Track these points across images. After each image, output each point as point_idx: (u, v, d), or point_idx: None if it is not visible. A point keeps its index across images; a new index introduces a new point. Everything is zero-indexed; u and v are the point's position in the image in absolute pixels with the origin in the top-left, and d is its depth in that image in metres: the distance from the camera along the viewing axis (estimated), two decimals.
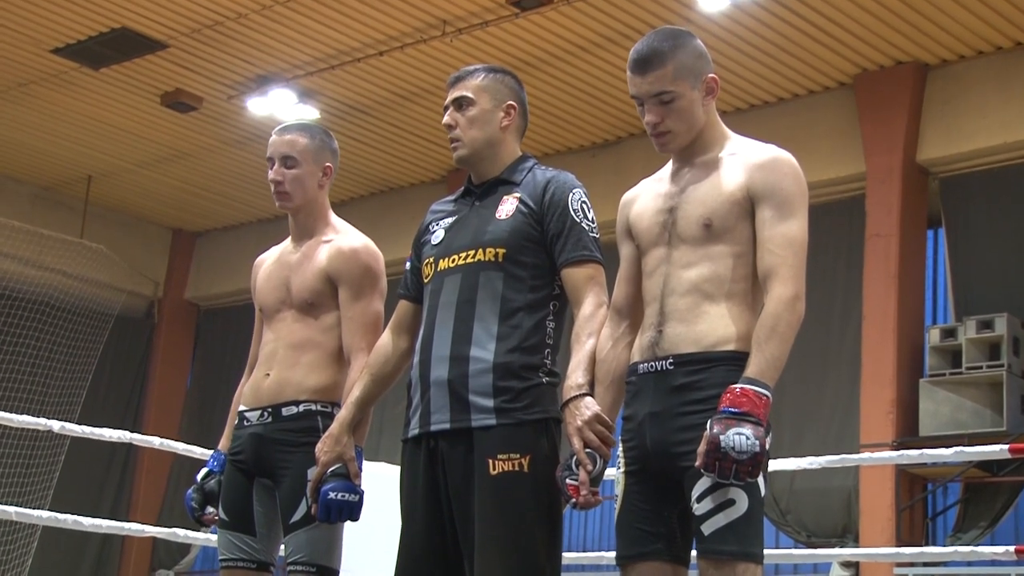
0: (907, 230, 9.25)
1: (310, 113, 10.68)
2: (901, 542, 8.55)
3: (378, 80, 10.20)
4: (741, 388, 2.62)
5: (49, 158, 12.26)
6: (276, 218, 12.82)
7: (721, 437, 2.56)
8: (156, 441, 6.62)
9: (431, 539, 3.04)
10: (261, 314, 3.65)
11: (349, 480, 3.24)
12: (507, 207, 3.13)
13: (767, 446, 2.62)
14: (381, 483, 7.19)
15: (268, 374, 3.50)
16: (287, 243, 3.68)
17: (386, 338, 3.31)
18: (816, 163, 9.47)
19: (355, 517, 3.26)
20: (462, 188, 3.28)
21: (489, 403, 2.98)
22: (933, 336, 8.86)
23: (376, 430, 12.07)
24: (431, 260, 3.17)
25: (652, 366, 2.79)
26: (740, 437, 2.55)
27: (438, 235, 3.19)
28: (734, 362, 2.73)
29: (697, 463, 2.60)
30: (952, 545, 8.45)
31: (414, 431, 3.10)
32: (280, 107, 10.47)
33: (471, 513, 2.95)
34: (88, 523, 6.02)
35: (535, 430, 2.99)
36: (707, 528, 2.65)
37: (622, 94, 10.06)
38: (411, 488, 3.10)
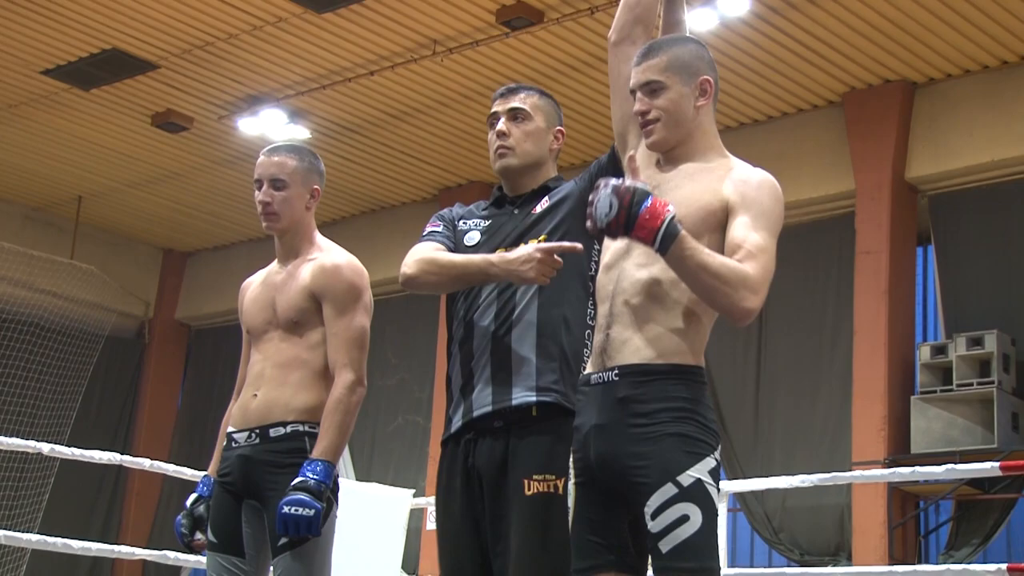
0: (897, 247, 9.28)
1: (300, 133, 10.68)
2: (894, 560, 8.54)
3: (369, 99, 10.22)
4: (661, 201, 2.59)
5: (40, 179, 12.26)
6: (267, 238, 12.73)
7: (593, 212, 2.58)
8: (146, 463, 6.60)
9: (470, 539, 3.09)
10: (248, 336, 3.65)
11: (308, 494, 3.23)
12: (543, 201, 3.20)
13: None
14: (372, 503, 7.19)
15: (256, 394, 3.49)
16: (273, 265, 3.69)
17: (428, 251, 3.23)
18: (806, 181, 9.51)
19: (313, 531, 3.23)
20: (494, 197, 3.31)
21: (532, 383, 3.02)
22: (924, 353, 8.88)
23: (368, 449, 12.06)
24: None
25: (600, 377, 2.77)
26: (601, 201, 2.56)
27: (473, 236, 3.22)
28: (679, 375, 2.72)
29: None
30: (944, 563, 8.44)
31: (457, 425, 3.13)
32: (271, 127, 10.48)
33: (504, 529, 2.99)
34: (78, 546, 6.00)
35: (570, 449, 3.00)
36: (664, 545, 2.64)
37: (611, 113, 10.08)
38: (450, 499, 3.13)
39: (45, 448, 6.03)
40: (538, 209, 3.19)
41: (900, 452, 8.74)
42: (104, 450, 6.68)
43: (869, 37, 8.81)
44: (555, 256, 2.95)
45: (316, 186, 3.61)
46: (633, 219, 2.55)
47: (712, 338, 2.88)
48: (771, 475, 8.31)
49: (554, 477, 2.98)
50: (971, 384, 8.54)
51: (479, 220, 3.26)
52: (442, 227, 3.27)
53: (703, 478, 2.68)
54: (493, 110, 3.28)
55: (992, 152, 9.05)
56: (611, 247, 2.85)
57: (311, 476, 3.26)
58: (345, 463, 12.14)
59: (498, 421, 3.05)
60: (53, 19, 9.24)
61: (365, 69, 9.65)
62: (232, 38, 9.34)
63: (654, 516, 2.65)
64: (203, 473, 3.75)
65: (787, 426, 9.30)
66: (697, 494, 2.66)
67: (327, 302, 3.48)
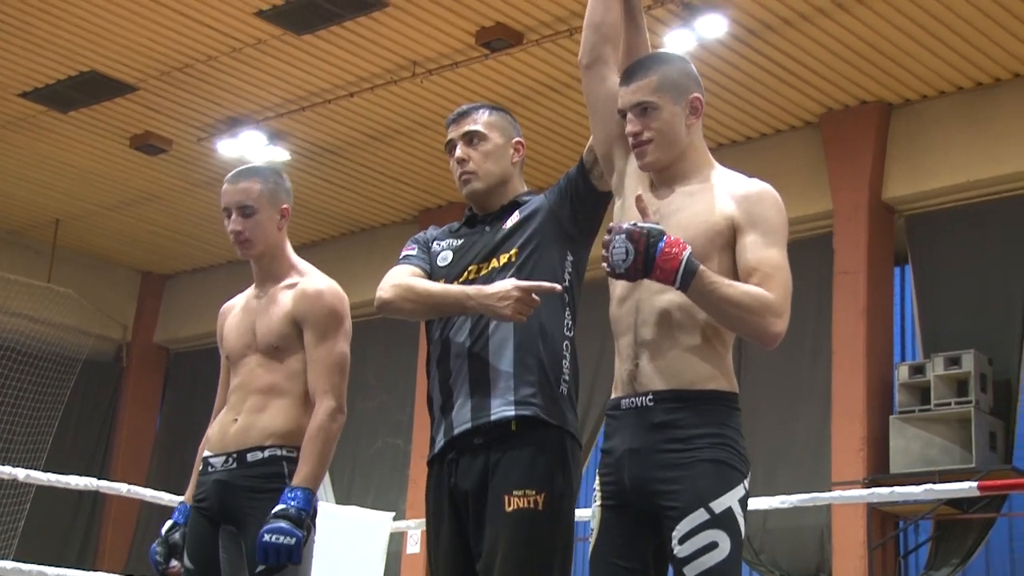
0: (875, 267, 9.32)
1: (280, 155, 10.68)
2: None
3: (348, 121, 10.22)
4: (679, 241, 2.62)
5: (16, 201, 12.20)
6: (246, 260, 12.77)
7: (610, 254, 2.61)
8: (123, 488, 6.56)
9: (460, 559, 3.08)
10: (227, 362, 3.63)
11: (289, 522, 3.21)
12: (513, 217, 3.20)
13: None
14: (353, 526, 7.16)
15: (236, 419, 3.47)
16: (252, 289, 3.66)
17: (405, 277, 3.22)
18: (784, 201, 9.52)
19: (295, 559, 3.20)
20: (465, 217, 3.32)
21: (510, 397, 3.02)
22: (902, 373, 8.91)
23: (348, 472, 12.01)
24: (440, 281, 3.18)
25: (633, 402, 2.77)
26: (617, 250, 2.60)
27: (446, 256, 3.23)
28: (715, 401, 2.73)
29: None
30: None
31: (439, 445, 3.13)
32: (250, 149, 10.47)
33: (488, 546, 2.98)
34: (53, 573, 5.96)
35: (555, 451, 3.01)
36: (690, 571, 2.64)
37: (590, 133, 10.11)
38: (438, 521, 3.12)
39: (21, 474, 6.00)
40: (508, 224, 3.19)
41: (879, 472, 8.76)
42: (81, 475, 6.65)
43: (846, 59, 8.87)
44: (532, 295, 2.95)
45: (285, 205, 3.58)
46: (651, 261, 2.57)
47: None
48: (752, 495, 8.30)
49: (534, 492, 2.97)
50: (949, 403, 8.58)
51: (452, 240, 3.26)
52: (417, 250, 3.27)
53: (734, 506, 2.68)
54: (448, 137, 3.28)
55: (968, 173, 9.12)
56: (620, 280, 2.83)
57: (292, 504, 3.24)
58: (325, 486, 12.09)
59: (478, 438, 3.04)
60: (31, 41, 9.22)
61: (345, 91, 9.66)
62: (211, 60, 9.34)
63: (682, 541, 2.64)
64: (181, 497, 3.72)
65: (767, 446, 9.31)
66: (727, 522, 2.66)
67: (308, 328, 3.46)
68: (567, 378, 3.10)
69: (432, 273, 3.21)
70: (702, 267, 2.60)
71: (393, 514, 7.76)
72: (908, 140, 9.42)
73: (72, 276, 13.01)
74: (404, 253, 3.28)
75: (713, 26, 8.38)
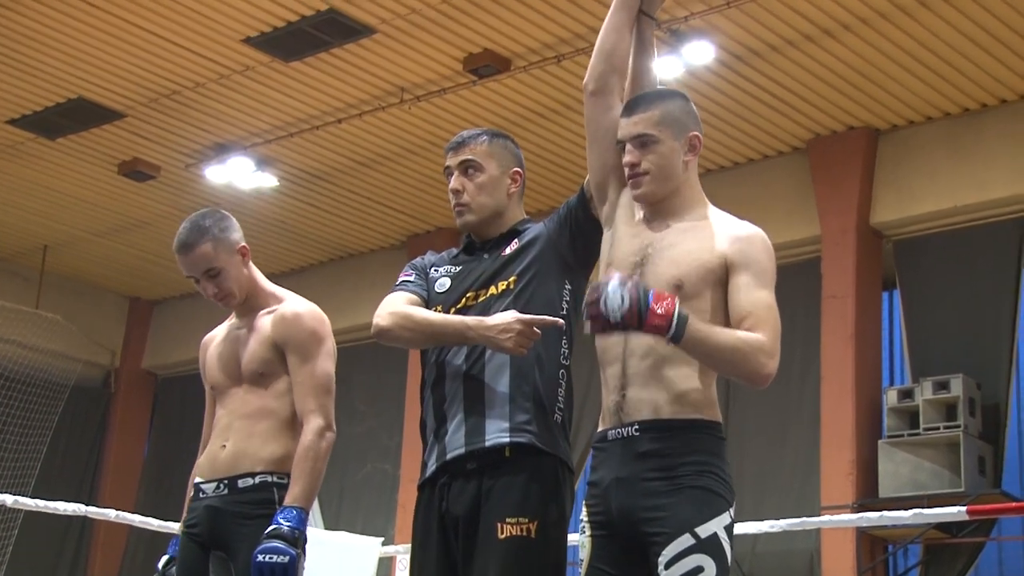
0: (862, 292, 9.35)
1: (268, 181, 10.69)
2: None
3: (336, 147, 10.24)
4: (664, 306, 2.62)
5: (4, 228, 12.18)
6: None
7: (601, 303, 2.59)
8: (112, 513, 6.53)
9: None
10: (212, 392, 3.64)
11: (283, 541, 3.22)
12: (512, 244, 3.19)
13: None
14: (341, 552, 7.13)
15: (224, 445, 3.48)
16: (233, 319, 3.67)
17: (403, 305, 3.19)
18: (771, 226, 9.47)
19: None
20: (464, 243, 3.30)
21: (505, 424, 3.01)
22: (891, 397, 8.92)
23: (336, 498, 11.97)
24: (438, 308, 3.17)
25: (619, 432, 2.78)
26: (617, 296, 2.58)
27: (444, 283, 3.21)
28: (701, 430, 2.75)
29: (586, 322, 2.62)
30: None
31: (431, 469, 3.10)
32: (238, 175, 10.48)
33: (479, 573, 2.97)
34: None
35: (549, 479, 3.00)
36: None
37: (579, 159, 10.14)
38: (426, 545, 3.09)
39: (9, 500, 5.97)
40: (507, 251, 3.19)
41: (868, 496, 8.77)
42: (69, 500, 6.62)
43: (833, 85, 8.92)
44: (534, 328, 2.95)
45: (240, 245, 3.57)
46: (644, 312, 2.59)
47: None
48: (740, 520, 8.30)
49: (527, 520, 2.96)
50: (938, 428, 8.59)
51: (450, 267, 3.25)
52: (415, 276, 3.26)
53: (719, 532, 2.70)
54: (446, 164, 3.27)
55: (955, 198, 9.16)
56: None
57: (285, 523, 3.25)
58: (314, 512, 12.02)
59: (471, 463, 3.03)
60: (19, 68, 9.23)
61: (333, 117, 9.67)
62: (199, 87, 9.35)
63: (668, 566, 2.66)
64: (170, 523, 3.73)
65: (756, 470, 9.31)
66: (713, 547, 2.67)
67: (290, 351, 3.48)
68: (561, 406, 3.10)
69: (430, 299, 3.20)
70: (692, 317, 2.63)
71: (382, 539, 7.74)
72: (895, 165, 9.46)
73: (60, 302, 12.98)
74: (401, 279, 3.27)
75: (700, 52, 8.42)
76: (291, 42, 8.68)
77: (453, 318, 3.08)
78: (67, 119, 9.90)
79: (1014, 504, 7.92)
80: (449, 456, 3.05)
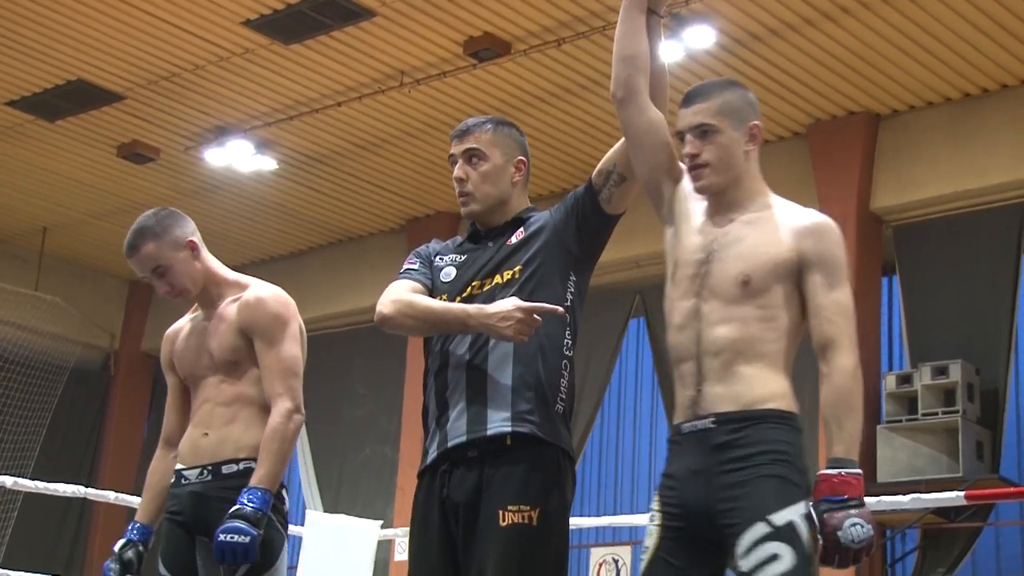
0: (862, 277, 9.35)
1: (267, 164, 10.69)
2: None
3: (336, 130, 10.23)
4: (838, 474, 2.65)
5: (3, 210, 12.18)
6: (233, 268, 12.74)
7: (839, 534, 2.59)
8: (111, 495, 6.55)
9: (447, 571, 3.06)
10: (177, 386, 3.68)
11: (245, 521, 3.25)
12: (518, 233, 3.19)
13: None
14: (340, 534, 7.15)
15: (206, 433, 3.51)
16: (196, 311, 3.71)
17: (406, 293, 3.18)
18: None
19: (251, 557, 3.25)
20: (469, 232, 3.30)
21: (507, 413, 3.00)
22: (889, 383, 8.93)
23: (336, 481, 12.00)
24: (443, 297, 3.16)
25: (694, 425, 2.78)
26: (855, 528, 2.60)
27: (449, 272, 3.21)
28: (777, 420, 2.76)
29: (820, 561, 2.63)
30: None
31: (432, 456, 3.09)
32: (238, 158, 10.47)
33: (480, 560, 2.97)
34: None
35: (550, 467, 3.00)
36: None
37: (579, 143, 10.14)
38: (425, 531, 3.09)
39: (8, 481, 5.99)
40: (513, 240, 3.18)
41: (866, 481, 8.70)
42: (69, 483, 6.63)
43: (833, 69, 8.90)
44: (535, 316, 2.95)
45: (187, 240, 3.60)
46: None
47: None
48: None
49: (529, 508, 2.95)
50: (936, 413, 8.60)
51: (455, 256, 3.24)
52: (419, 264, 3.25)
53: (796, 521, 2.67)
54: (451, 152, 3.27)
55: (955, 183, 9.15)
56: (679, 307, 2.85)
57: (249, 504, 3.28)
58: (313, 495, 12.08)
59: (473, 451, 3.03)
60: (18, 50, 9.21)
61: (332, 100, 9.66)
62: (199, 69, 9.34)
63: (744, 555, 2.65)
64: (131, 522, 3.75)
65: None
66: (789, 535, 2.65)
67: (256, 336, 3.50)
68: (563, 396, 3.09)
69: (435, 288, 3.19)
70: (835, 454, 2.72)
71: (381, 522, 7.76)
72: (895, 151, 9.45)
73: (59, 284, 12.99)
74: (405, 267, 3.26)
75: (701, 37, 8.41)
76: (291, 25, 8.67)
77: (454, 306, 3.07)
78: (66, 101, 9.89)
79: (1012, 489, 7.94)
80: (451, 443, 3.05)
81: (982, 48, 8.57)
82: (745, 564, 2.64)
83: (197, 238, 3.62)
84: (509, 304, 2.96)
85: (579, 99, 9.43)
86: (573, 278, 3.15)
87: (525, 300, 3.01)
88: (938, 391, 8.66)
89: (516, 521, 2.94)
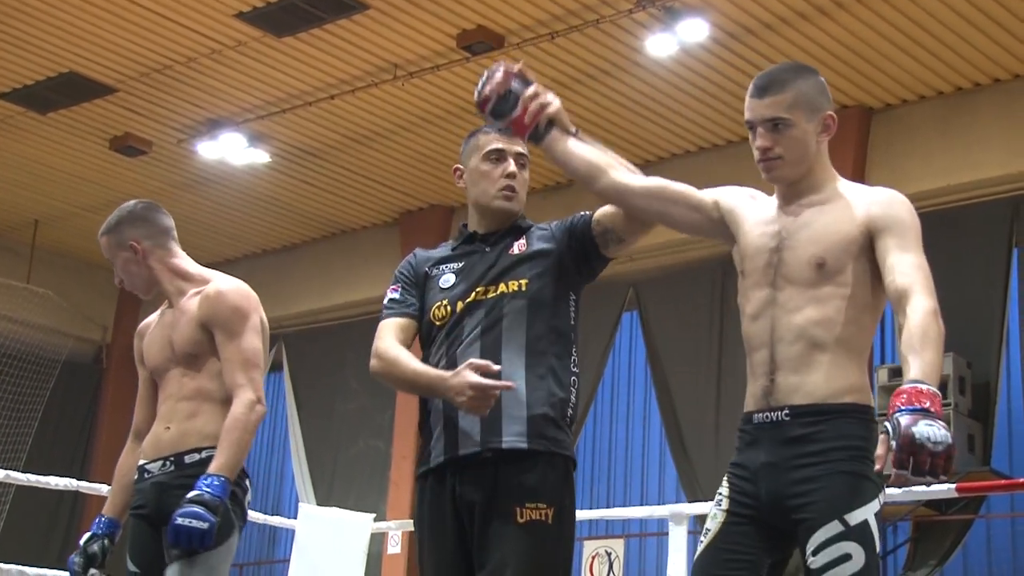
0: None
1: (260, 157, 10.69)
2: None
3: (329, 124, 10.22)
4: (915, 387, 2.48)
5: None
6: (226, 261, 12.77)
7: (914, 429, 2.39)
8: (104, 488, 6.53)
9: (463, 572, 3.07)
10: (147, 380, 3.71)
11: (203, 507, 3.25)
12: (520, 243, 3.21)
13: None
14: (333, 527, 7.16)
15: (168, 427, 3.52)
16: (165, 306, 3.74)
17: (394, 347, 3.19)
18: None
19: (207, 543, 3.25)
20: (460, 237, 3.30)
21: (522, 428, 3.03)
22: (881, 376, 8.95)
23: (329, 474, 12.01)
24: (444, 303, 3.17)
25: (767, 416, 2.75)
26: (932, 428, 2.40)
27: (448, 279, 3.21)
28: (853, 414, 2.70)
29: (890, 463, 2.44)
30: None
31: (438, 460, 3.10)
32: (230, 151, 10.47)
33: (496, 557, 2.99)
34: (33, 572, 5.96)
35: (561, 473, 3.04)
36: None
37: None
38: (440, 529, 3.10)
39: (0, 474, 5.98)
40: (515, 251, 3.19)
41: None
42: (61, 476, 6.63)
43: (826, 63, 8.92)
44: (489, 392, 2.95)
45: (130, 242, 3.66)
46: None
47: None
48: None
49: (545, 506, 3.00)
50: None
51: (453, 263, 3.24)
52: (401, 291, 3.25)
53: (870, 520, 2.64)
54: (500, 146, 3.25)
55: (948, 177, 9.18)
56: (754, 297, 2.82)
57: (206, 490, 3.29)
58: (306, 488, 12.09)
59: (487, 453, 3.06)
60: (9, 42, 9.20)
61: (325, 93, 9.66)
62: (191, 62, 9.33)
63: (816, 552, 2.62)
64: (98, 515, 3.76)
65: None
66: (862, 535, 2.62)
67: (216, 329, 3.51)
68: (572, 410, 3.14)
69: (432, 298, 3.20)
70: (912, 375, 2.53)
71: (374, 515, 7.77)
72: (888, 144, 9.47)
73: (51, 277, 12.97)
74: (388, 296, 3.27)
75: (694, 30, 8.42)
76: (284, 17, 8.66)
77: (429, 373, 3.07)
78: (58, 93, 9.88)
79: (1003, 481, 7.98)
80: (462, 452, 3.06)
81: (974, 42, 8.59)
82: (816, 562, 2.62)
83: (152, 241, 3.66)
84: (463, 380, 2.96)
85: (573, 92, 9.43)
86: (573, 297, 3.21)
87: (530, 315, 3.08)
88: None
89: (533, 518, 2.99)
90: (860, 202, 2.80)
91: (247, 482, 3.50)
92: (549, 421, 3.06)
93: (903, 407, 2.45)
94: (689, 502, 8.94)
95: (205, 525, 3.23)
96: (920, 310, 2.63)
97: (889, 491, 5.70)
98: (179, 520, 3.23)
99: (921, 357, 2.57)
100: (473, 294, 3.15)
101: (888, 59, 8.84)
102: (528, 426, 3.04)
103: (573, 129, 3.11)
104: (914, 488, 5.93)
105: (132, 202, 3.77)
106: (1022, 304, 8.93)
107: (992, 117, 9.08)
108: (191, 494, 3.27)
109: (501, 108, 3.02)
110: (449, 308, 3.15)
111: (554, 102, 3.07)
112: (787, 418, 2.71)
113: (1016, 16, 8.30)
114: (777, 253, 2.80)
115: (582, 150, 3.08)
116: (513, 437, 3.03)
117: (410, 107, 9.81)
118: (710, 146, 10.12)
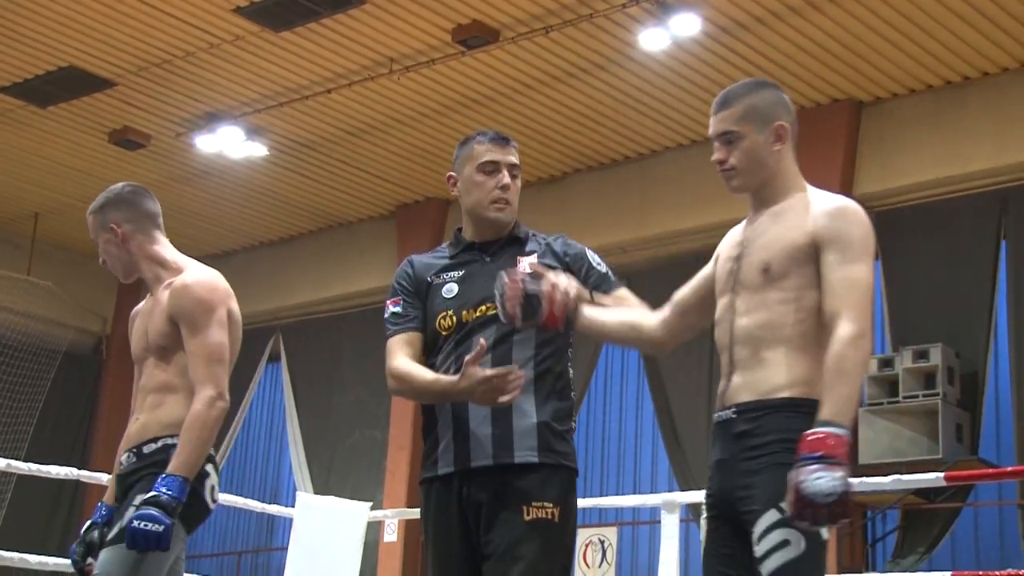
0: None
1: (258, 150, 10.75)
2: (842, 568, 8.69)
3: (326, 117, 10.29)
4: (814, 433, 2.61)
5: None
6: (223, 255, 12.85)
7: (804, 486, 2.55)
8: (104, 477, 6.60)
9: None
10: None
11: (160, 509, 3.24)
12: (526, 263, 3.23)
13: (850, 486, 2.60)
14: (330, 516, 7.25)
15: (137, 418, 3.55)
16: (150, 293, 3.74)
17: (405, 364, 3.25)
18: None
19: (163, 546, 3.24)
20: (456, 245, 3.35)
21: (533, 442, 3.13)
22: (871, 366, 9.04)
23: (325, 464, 12.09)
24: (449, 313, 3.23)
25: (721, 415, 2.89)
26: (821, 480, 2.54)
27: (451, 288, 3.27)
28: (790, 408, 2.79)
29: (789, 516, 2.61)
30: (891, 571, 8.61)
31: (446, 470, 3.17)
32: (228, 144, 10.54)
33: (502, 555, 3.06)
34: (34, 560, 6.00)
35: (566, 480, 3.15)
36: (764, 569, 2.71)
37: (566, 130, 10.22)
38: (445, 528, 3.17)
39: (2, 463, 6.04)
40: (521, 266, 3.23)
41: (848, 462, 8.87)
42: (62, 465, 6.70)
43: (816, 56, 9.00)
44: (502, 380, 3.02)
45: (112, 225, 3.65)
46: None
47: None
48: None
49: (551, 505, 3.09)
50: (917, 396, 8.72)
51: (454, 272, 3.30)
52: (402, 303, 3.30)
53: None
54: (494, 158, 3.29)
55: (937, 170, 9.26)
56: (719, 303, 2.94)
57: (164, 491, 3.27)
58: (303, 477, 12.17)
59: (498, 467, 3.15)
60: (9, 36, 9.26)
61: (322, 87, 9.73)
62: (189, 56, 9.39)
63: (759, 540, 2.72)
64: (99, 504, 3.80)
65: None
66: None
67: (182, 322, 3.50)
68: (573, 421, 3.26)
69: (435, 309, 3.26)
70: (821, 416, 2.65)
71: (370, 504, 7.86)
72: (878, 138, 9.55)
73: (51, 269, 13.04)
74: (390, 310, 3.31)
75: (687, 24, 8.50)
76: (281, 12, 8.73)
77: (441, 381, 3.13)
78: (58, 87, 9.94)
79: (990, 470, 8.08)
80: (474, 464, 3.13)
81: (964, 36, 8.67)
82: (759, 550, 2.72)
83: (133, 225, 3.65)
84: (472, 379, 3.03)
85: (567, 86, 9.51)
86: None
87: (539, 334, 3.15)
88: (919, 374, 8.78)
89: (540, 516, 3.07)
90: (812, 211, 2.89)
91: (215, 472, 3.47)
92: (557, 435, 3.16)
93: (802, 456, 2.60)
94: (682, 490, 9.04)
95: (160, 528, 3.21)
96: (839, 340, 2.72)
97: (877, 480, 5.81)
98: (136, 523, 3.21)
99: (832, 393, 2.68)
100: (483, 308, 3.20)
101: (878, 53, 8.92)
102: (539, 441, 3.13)
103: (588, 295, 3.20)
104: (903, 477, 6.04)
105: (121, 184, 3.75)
106: (1010, 295, 9.01)
107: (981, 111, 9.16)
108: (148, 495, 3.26)
109: (529, 315, 3.03)
110: (454, 318, 3.21)
111: (572, 286, 3.07)
112: (734, 415, 2.84)
113: (1005, 10, 8.38)
114: (737, 261, 2.93)
115: (608, 316, 3.18)
116: (525, 452, 3.12)
117: (406, 101, 9.88)
118: (702, 139, 10.19)
